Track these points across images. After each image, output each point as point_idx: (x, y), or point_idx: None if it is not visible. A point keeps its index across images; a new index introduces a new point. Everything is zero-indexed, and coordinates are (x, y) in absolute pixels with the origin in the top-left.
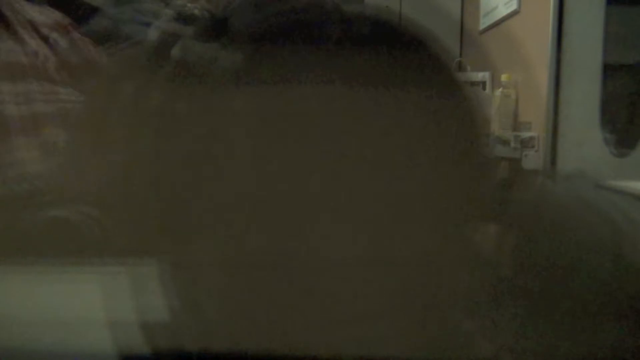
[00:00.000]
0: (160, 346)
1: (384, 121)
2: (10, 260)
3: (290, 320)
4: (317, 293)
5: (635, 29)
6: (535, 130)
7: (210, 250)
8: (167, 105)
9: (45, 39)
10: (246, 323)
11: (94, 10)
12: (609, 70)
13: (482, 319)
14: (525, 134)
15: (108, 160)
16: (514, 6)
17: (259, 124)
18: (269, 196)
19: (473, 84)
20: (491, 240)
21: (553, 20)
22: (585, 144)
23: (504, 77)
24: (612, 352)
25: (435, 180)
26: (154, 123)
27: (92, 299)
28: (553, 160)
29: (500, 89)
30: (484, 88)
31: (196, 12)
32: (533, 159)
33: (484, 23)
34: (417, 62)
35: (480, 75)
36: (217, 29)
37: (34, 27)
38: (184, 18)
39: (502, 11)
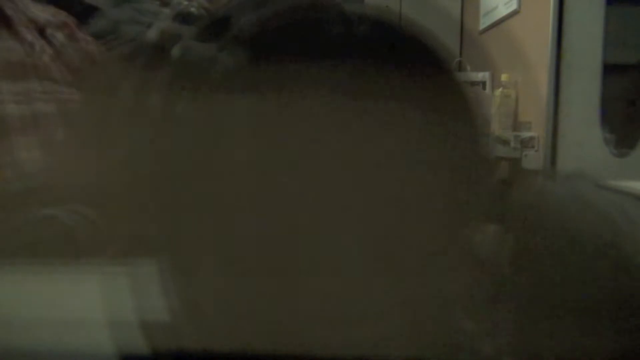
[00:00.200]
0: (160, 346)
1: (384, 121)
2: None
3: (290, 320)
4: (317, 293)
5: (635, 29)
6: (535, 130)
7: (210, 250)
8: (166, 105)
9: (48, 38)
10: (246, 323)
11: (94, 10)
12: (609, 70)
13: (482, 319)
14: (525, 134)
15: (106, 159)
16: (514, 6)
17: (258, 124)
18: (269, 196)
19: (473, 84)
20: (491, 241)
21: (553, 20)
22: (585, 144)
23: (504, 77)
24: (612, 352)
25: (435, 180)
26: (153, 123)
27: (92, 299)
28: (553, 160)
29: (500, 89)
30: (484, 88)
31: (193, 10)
32: (533, 159)
33: (484, 23)
34: (417, 62)
35: (480, 75)
36: (217, 29)
37: (37, 26)
38: (181, 16)
39: (502, 11)
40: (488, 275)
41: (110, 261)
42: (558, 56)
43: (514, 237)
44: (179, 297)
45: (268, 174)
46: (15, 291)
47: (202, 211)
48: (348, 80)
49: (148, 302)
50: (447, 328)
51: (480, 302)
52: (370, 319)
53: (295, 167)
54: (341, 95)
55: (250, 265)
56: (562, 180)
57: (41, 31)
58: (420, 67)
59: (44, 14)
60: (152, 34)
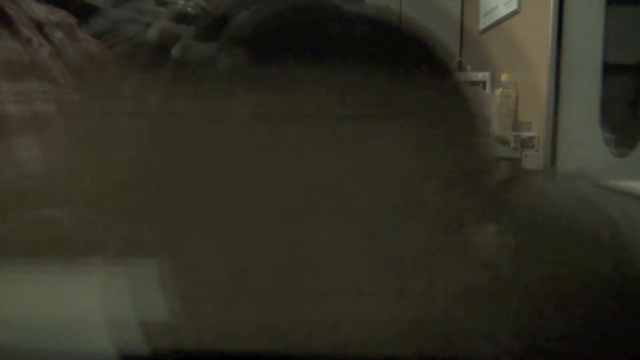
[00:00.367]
0: (160, 346)
1: (384, 121)
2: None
3: (290, 320)
4: (316, 293)
5: (635, 29)
6: (535, 130)
7: (210, 250)
8: (166, 105)
9: (48, 37)
10: (246, 323)
11: (94, 10)
12: (609, 70)
13: (482, 319)
14: (525, 134)
15: (106, 159)
16: (514, 6)
17: (258, 124)
18: (269, 196)
19: (473, 84)
20: (491, 241)
21: (553, 20)
22: (585, 144)
23: (504, 77)
24: (612, 351)
25: (435, 180)
26: (153, 123)
27: (92, 299)
28: (553, 160)
29: (500, 89)
30: (484, 88)
31: (189, 10)
32: (533, 159)
33: (484, 23)
34: (417, 62)
35: (480, 75)
36: (216, 28)
37: (37, 25)
38: (178, 16)
39: (502, 11)
40: (488, 275)
41: (110, 261)
42: (558, 56)
43: (514, 237)
44: (179, 297)
45: (268, 173)
46: (15, 291)
47: (201, 211)
48: (348, 80)
49: (148, 302)
50: (447, 327)
51: (480, 301)
52: (370, 318)
53: (295, 167)
54: (341, 95)
55: (250, 265)
56: (562, 180)
57: (41, 30)
58: (420, 68)
59: (45, 13)
60: (152, 34)
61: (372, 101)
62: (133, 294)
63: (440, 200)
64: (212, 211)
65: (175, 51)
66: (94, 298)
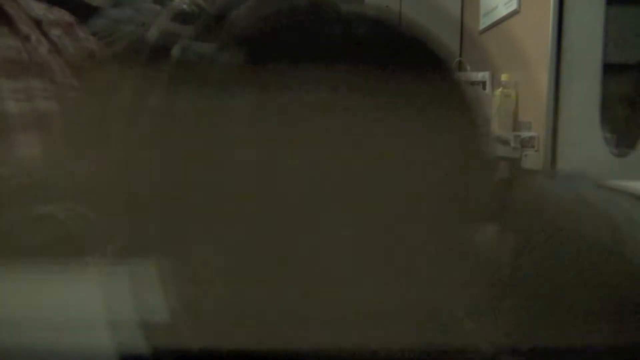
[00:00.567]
0: (160, 346)
1: (384, 121)
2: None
3: (290, 320)
4: (317, 293)
5: (635, 29)
6: (535, 130)
7: (209, 250)
8: (166, 105)
9: (48, 36)
10: (246, 323)
11: (94, 10)
12: (609, 70)
13: (482, 319)
14: (525, 134)
15: (105, 158)
16: (514, 6)
17: (258, 124)
18: (269, 196)
19: (473, 83)
20: (491, 240)
21: (553, 20)
22: (585, 144)
23: (504, 77)
24: (612, 351)
25: (435, 180)
26: (153, 122)
27: (92, 298)
28: (553, 160)
29: (500, 89)
30: (484, 88)
31: (185, 7)
32: (533, 159)
33: (484, 23)
34: (417, 62)
35: (480, 75)
36: (216, 28)
37: (38, 24)
38: (178, 16)
39: (502, 11)
40: (488, 275)
41: (110, 261)
42: (558, 56)
43: (514, 237)
44: (179, 297)
45: (268, 173)
46: (15, 291)
47: (201, 211)
48: (348, 80)
49: (148, 302)
50: (447, 327)
51: (481, 301)
52: (370, 318)
53: (295, 167)
54: (341, 95)
55: (250, 265)
56: (562, 180)
57: (42, 29)
58: (420, 67)
59: (45, 12)
60: (152, 34)
61: (372, 101)
62: (133, 294)
63: (440, 200)
64: (211, 211)
65: (175, 51)
66: (93, 298)
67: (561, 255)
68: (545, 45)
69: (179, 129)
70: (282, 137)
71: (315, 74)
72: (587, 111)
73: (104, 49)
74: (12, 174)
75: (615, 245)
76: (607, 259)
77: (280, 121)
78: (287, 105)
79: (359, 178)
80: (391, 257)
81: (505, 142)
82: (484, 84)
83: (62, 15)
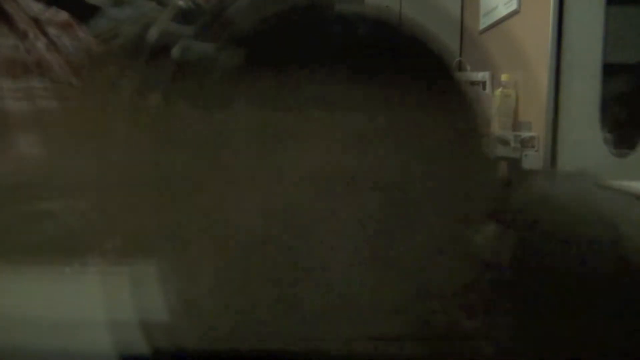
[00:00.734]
0: (160, 346)
1: (384, 121)
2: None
3: (290, 320)
4: (317, 293)
5: (635, 29)
6: (535, 130)
7: (209, 250)
8: (166, 105)
9: (49, 36)
10: (246, 323)
11: (95, 10)
12: (609, 70)
13: (482, 319)
14: (525, 134)
15: (105, 158)
16: (514, 6)
17: (258, 124)
18: (269, 195)
19: (473, 84)
20: (491, 240)
21: (553, 20)
22: (585, 144)
23: (504, 77)
24: (612, 352)
25: (435, 180)
26: (153, 122)
27: (92, 299)
28: (553, 160)
29: (500, 89)
30: (484, 88)
31: (181, 3)
32: (533, 159)
33: (484, 23)
34: (417, 62)
35: (480, 75)
36: (216, 28)
37: (38, 24)
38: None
39: (502, 11)
40: (488, 275)
41: (109, 259)
42: (558, 56)
43: (514, 236)
44: (179, 297)
45: (268, 173)
46: (15, 291)
47: (201, 211)
48: (348, 80)
49: (148, 302)
50: (448, 328)
51: (481, 301)
52: (370, 318)
53: (295, 167)
54: (340, 95)
55: (250, 265)
56: (562, 180)
57: (41, 28)
58: (420, 67)
59: (44, 12)
60: (152, 34)
61: (372, 101)
62: (133, 294)
63: (440, 200)
64: (211, 210)
65: (175, 51)
66: (93, 298)
67: (561, 255)
68: (545, 45)
69: (179, 129)
70: (282, 137)
71: (316, 74)
72: (587, 111)
73: (104, 49)
74: (11, 169)
75: (615, 245)
76: (607, 259)
77: (280, 121)
78: (287, 105)
79: (359, 177)
80: (391, 257)
81: (505, 142)
82: (484, 84)
83: (61, 15)
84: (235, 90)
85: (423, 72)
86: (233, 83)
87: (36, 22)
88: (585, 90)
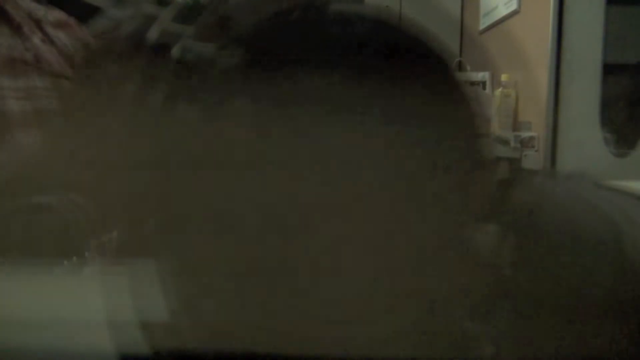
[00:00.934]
0: (160, 346)
1: (384, 121)
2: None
3: (290, 320)
4: (317, 293)
5: (635, 29)
6: (535, 130)
7: (209, 250)
8: (166, 105)
9: (49, 36)
10: (246, 323)
11: (95, 10)
12: (609, 70)
13: (482, 319)
14: (525, 134)
15: (105, 158)
16: (514, 6)
17: (258, 124)
18: (269, 195)
19: (473, 83)
20: (491, 241)
21: (553, 20)
22: (585, 144)
23: (504, 77)
24: (612, 352)
25: (435, 180)
26: (153, 122)
27: (92, 299)
28: (553, 160)
29: (500, 89)
30: (484, 88)
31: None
32: (533, 159)
33: (484, 23)
34: (417, 62)
35: (480, 75)
36: (216, 28)
37: (37, 24)
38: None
39: (502, 11)
40: (488, 275)
41: (109, 260)
42: (558, 56)
43: (514, 237)
44: (179, 297)
45: (268, 173)
46: (15, 291)
47: (201, 211)
48: (348, 80)
49: (148, 302)
50: (448, 328)
51: (481, 302)
52: (370, 319)
53: (295, 167)
54: (340, 95)
55: (250, 265)
56: (562, 180)
57: (41, 28)
58: (420, 68)
59: (43, 11)
60: (152, 34)
61: (372, 101)
62: (133, 294)
63: (440, 200)
64: (212, 210)
65: (175, 51)
66: (93, 298)
67: (561, 255)
68: (545, 45)
69: (179, 129)
70: (282, 137)
71: (315, 74)
72: (587, 111)
73: (104, 50)
74: (9, 163)
75: (615, 245)
76: (607, 259)
77: (280, 121)
78: (287, 105)
79: (359, 178)
80: (391, 257)
81: (505, 142)
82: (484, 84)
83: (61, 15)
84: (235, 90)
85: (423, 72)
86: (233, 83)
87: (36, 21)
88: (585, 90)
